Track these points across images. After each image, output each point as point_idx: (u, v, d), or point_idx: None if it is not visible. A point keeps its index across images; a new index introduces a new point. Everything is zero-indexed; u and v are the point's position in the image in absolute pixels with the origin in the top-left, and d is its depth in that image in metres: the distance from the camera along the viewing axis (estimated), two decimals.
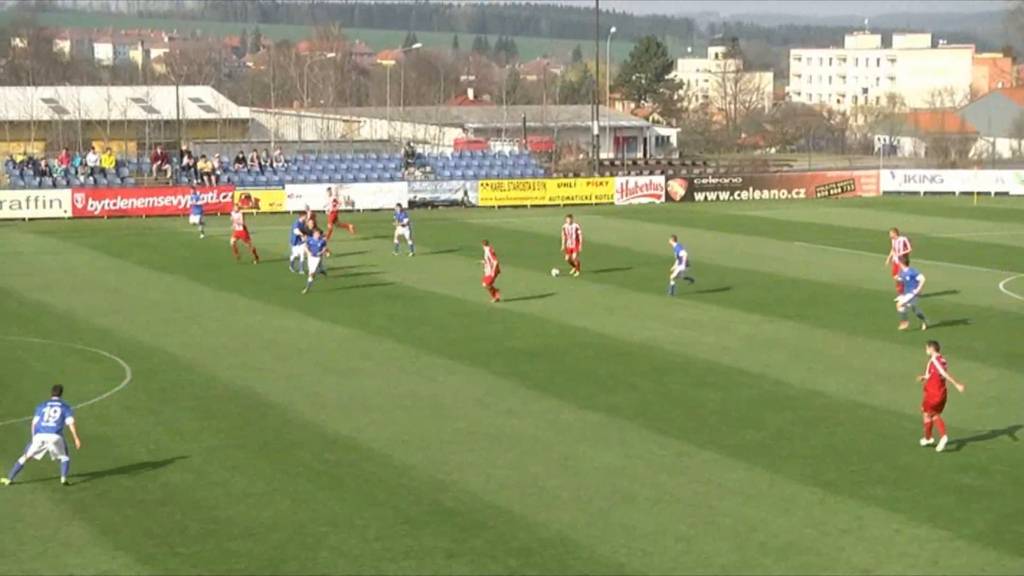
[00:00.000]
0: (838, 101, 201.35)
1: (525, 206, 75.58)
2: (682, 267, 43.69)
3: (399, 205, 58.82)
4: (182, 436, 26.77)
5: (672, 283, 43.85)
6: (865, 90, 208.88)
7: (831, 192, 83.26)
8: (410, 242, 54.49)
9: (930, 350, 26.18)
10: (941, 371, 25.73)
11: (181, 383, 31.42)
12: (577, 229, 48.91)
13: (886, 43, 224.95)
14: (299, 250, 47.66)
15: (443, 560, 20.14)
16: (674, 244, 44.22)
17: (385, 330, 38.01)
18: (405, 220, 54.82)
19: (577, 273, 48.41)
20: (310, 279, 44.65)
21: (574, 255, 48.75)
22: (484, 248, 42.58)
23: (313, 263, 45.10)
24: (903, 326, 37.93)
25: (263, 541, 20.86)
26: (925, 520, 21.88)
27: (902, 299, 38.03)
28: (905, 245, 43.92)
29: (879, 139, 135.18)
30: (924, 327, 37.28)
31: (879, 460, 25.26)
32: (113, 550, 20.45)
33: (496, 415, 28.45)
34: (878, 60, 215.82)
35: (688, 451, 25.90)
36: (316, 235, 46.80)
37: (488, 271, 42.18)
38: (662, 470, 24.68)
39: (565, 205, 76.09)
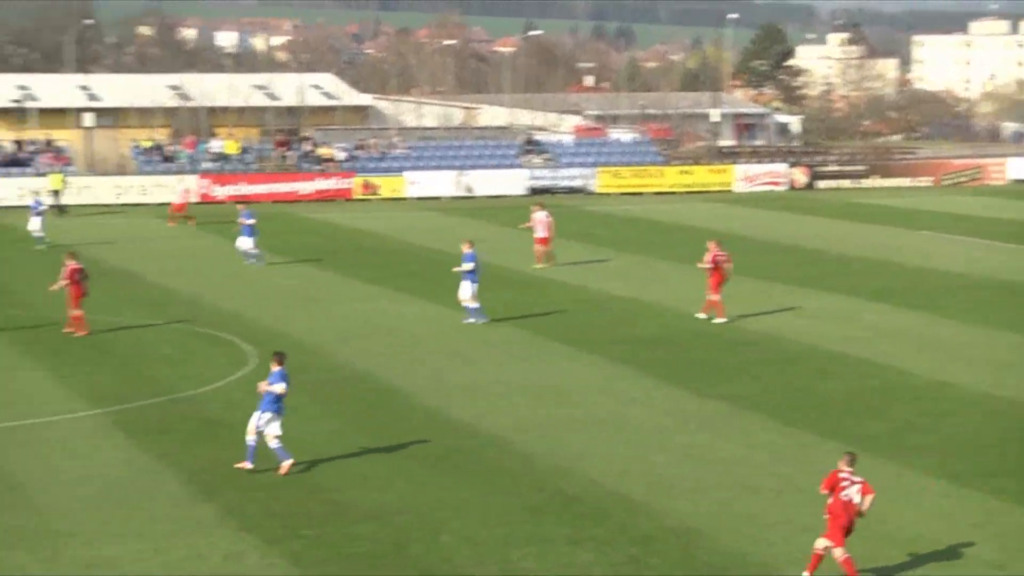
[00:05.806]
0: (964, 88, 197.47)
1: (644, 193, 75.17)
2: None
3: (37, 193, 54.94)
4: (304, 420, 26.96)
5: None
6: (992, 76, 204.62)
7: (958, 180, 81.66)
8: (41, 233, 50.85)
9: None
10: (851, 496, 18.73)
11: (304, 368, 31.64)
12: (548, 216, 47.42)
13: (1014, 28, 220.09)
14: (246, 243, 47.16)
15: (566, 547, 20.08)
16: None
17: (503, 316, 38.03)
18: (40, 209, 51.47)
19: (544, 266, 46.81)
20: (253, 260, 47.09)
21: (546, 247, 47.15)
22: (66, 263, 34.69)
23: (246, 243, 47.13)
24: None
25: (385, 524, 20.96)
26: None
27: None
28: (714, 259, 36.58)
29: (1007, 126, 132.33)
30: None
31: (1010, 453, 24.69)
32: (239, 531, 20.69)
33: (617, 403, 28.31)
34: (1005, 45, 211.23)
35: (811, 441, 25.54)
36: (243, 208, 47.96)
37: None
38: (785, 460, 24.38)
39: (685, 193, 75.63)
